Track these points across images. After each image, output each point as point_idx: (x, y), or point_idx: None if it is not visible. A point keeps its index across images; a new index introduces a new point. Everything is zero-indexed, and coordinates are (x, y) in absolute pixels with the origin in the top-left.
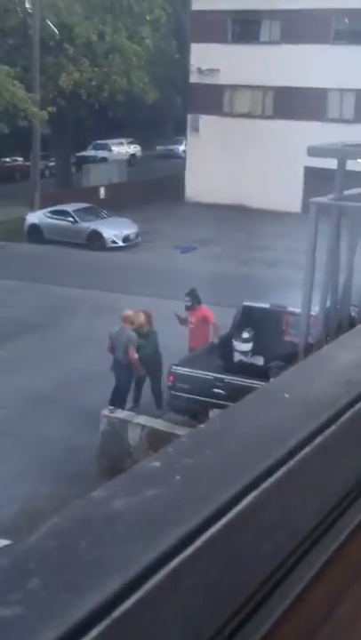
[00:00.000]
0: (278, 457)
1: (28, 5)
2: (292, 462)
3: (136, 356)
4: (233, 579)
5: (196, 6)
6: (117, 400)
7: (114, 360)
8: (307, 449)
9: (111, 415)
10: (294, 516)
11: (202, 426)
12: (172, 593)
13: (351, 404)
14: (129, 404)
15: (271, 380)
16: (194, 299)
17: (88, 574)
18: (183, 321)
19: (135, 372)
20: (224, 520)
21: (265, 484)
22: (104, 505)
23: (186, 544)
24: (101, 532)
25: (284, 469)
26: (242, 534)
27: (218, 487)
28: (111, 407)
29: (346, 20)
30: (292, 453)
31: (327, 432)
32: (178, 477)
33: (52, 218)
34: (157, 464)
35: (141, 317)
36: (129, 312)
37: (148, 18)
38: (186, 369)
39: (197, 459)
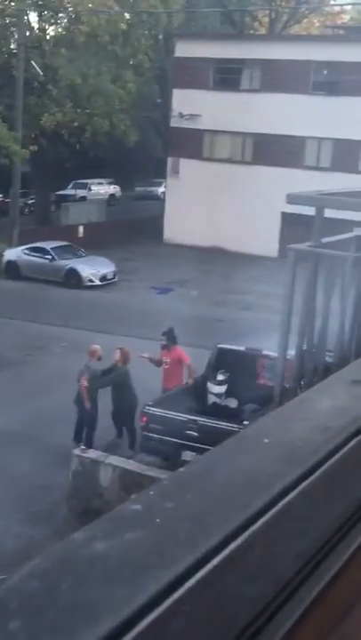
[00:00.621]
0: (262, 503)
1: (12, 46)
2: (276, 509)
3: (85, 384)
4: (218, 624)
5: (178, 53)
6: (80, 433)
7: (77, 392)
8: (291, 495)
9: (83, 455)
10: (278, 561)
11: (182, 469)
12: (158, 639)
13: (333, 452)
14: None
15: (247, 423)
16: (170, 339)
17: (71, 616)
18: (158, 362)
19: (95, 405)
20: (209, 566)
21: (249, 530)
22: (86, 547)
23: (171, 589)
24: (84, 574)
25: (268, 515)
26: (226, 580)
27: (201, 532)
28: (82, 447)
29: (324, 72)
30: (276, 500)
31: (311, 479)
32: (159, 521)
33: (29, 255)
34: (138, 507)
35: (117, 354)
36: (96, 347)
37: (131, 62)
38: (159, 410)
39: (179, 503)
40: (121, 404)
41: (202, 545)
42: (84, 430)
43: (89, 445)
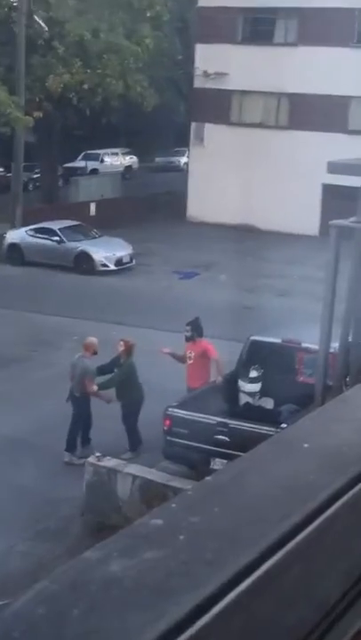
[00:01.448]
0: (302, 516)
1: None
2: (317, 522)
3: (95, 388)
4: None
5: (202, 2)
6: (70, 441)
7: (70, 391)
8: (335, 507)
9: (98, 463)
10: (321, 583)
11: (208, 478)
12: None
13: None
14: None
15: (286, 426)
16: (195, 330)
17: None
18: (181, 357)
19: (88, 407)
20: (239, 589)
21: (286, 548)
22: (99, 567)
23: (195, 616)
24: (96, 599)
25: (308, 530)
26: (260, 605)
27: (230, 550)
28: (98, 454)
29: None
30: (317, 512)
31: (357, 488)
32: (182, 538)
33: (34, 237)
34: (159, 522)
35: (121, 347)
36: (92, 339)
37: (148, 14)
38: (184, 412)
39: (205, 516)
40: (126, 400)
41: (231, 565)
42: (79, 432)
43: (71, 447)
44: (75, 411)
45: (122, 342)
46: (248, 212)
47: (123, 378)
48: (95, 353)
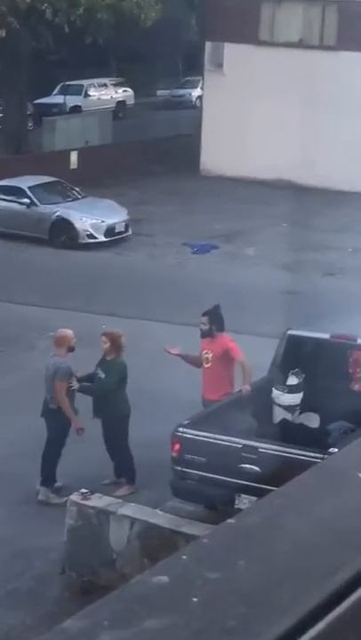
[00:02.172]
0: (355, 570)
1: None
2: None
3: (63, 399)
4: None
5: None
6: (45, 466)
7: (44, 403)
8: None
9: (83, 503)
10: None
11: (231, 521)
12: None
13: None
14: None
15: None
16: (214, 322)
17: None
18: (195, 359)
19: (68, 424)
20: None
21: (335, 612)
22: None
23: None
24: None
25: None
26: None
27: (259, 617)
28: (84, 490)
29: None
30: None
31: None
32: (196, 600)
33: None
34: (165, 579)
35: (104, 341)
36: (64, 332)
37: None
38: (199, 432)
39: (226, 572)
40: (110, 414)
41: (261, 636)
42: (58, 459)
43: (49, 481)
44: (51, 430)
45: (104, 337)
46: (282, 162)
47: (113, 382)
48: (71, 349)
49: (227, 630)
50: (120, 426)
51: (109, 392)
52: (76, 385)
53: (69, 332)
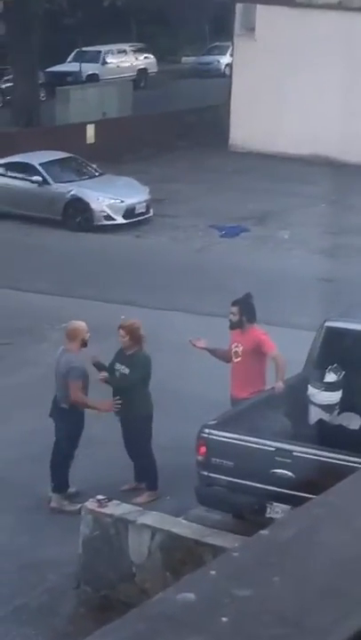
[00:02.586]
0: None
1: None
2: None
3: (82, 397)
4: None
5: None
6: (56, 471)
7: (53, 402)
8: None
9: (100, 511)
10: None
11: (264, 533)
12: None
13: None
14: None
15: None
16: (246, 312)
17: None
18: (224, 353)
19: (81, 424)
20: None
21: None
22: None
23: None
24: None
25: None
26: None
27: (300, 638)
28: (100, 497)
29: None
30: None
31: None
32: (226, 620)
33: (5, 176)
34: (191, 597)
35: (122, 334)
36: (77, 324)
37: None
38: (227, 434)
39: (259, 589)
40: (130, 413)
41: None
42: (56, 457)
43: (61, 486)
44: (58, 431)
45: (121, 330)
46: (320, 136)
47: (137, 378)
48: (84, 344)
49: None
50: (142, 426)
51: (131, 389)
52: (102, 376)
53: (82, 325)
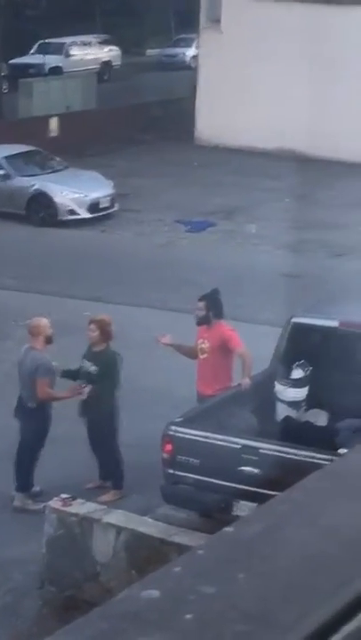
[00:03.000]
0: None
1: None
2: None
3: (49, 393)
4: None
5: None
6: (21, 470)
7: (18, 400)
8: None
9: (64, 509)
10: None
11: (229, 530)
12: None
13: None
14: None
15: (345, 452)
16: (212, 307)
17: None
18: (189, 350)
19: (48, 423)
20: None
21: (345, 630)
22: None
23: None
24: None
25: None
26: None
27: (262, 636)
28: (65, 495)
29: None
30: None
31: None
32: (190, 617)
33: None
34: (155, 594)
35: (92, 329)
36: (39, 320)
37: None
38: (193, 431)
39: (224, 586)
40: (95, 413)
41: None
42: (35, 461)
43: (25, 485)
44: (24, 430)
45: (92, 324)
46: (286, 130)
47: (104, 376)
48: (49, 341)
49: None
50: (108, 424)
51: (102, 388)
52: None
53: (44, 321)
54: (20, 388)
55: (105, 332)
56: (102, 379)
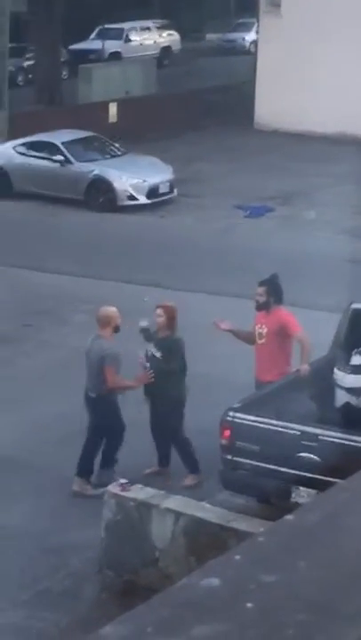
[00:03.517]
0: None
1: None
2: None
3: (118, 381)
4: None
5: None
6: (84, 462)
7: (85, 391)
8: None
9: (123, 494)
10: None
11: (289, 517)
12: None
13: None
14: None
15: None
16: (272, 293)
17: None
18: (247, 335)
19: (114, 413)
20: None
21: None
22: None
23: None
24: None
25: None
26: None
27: (324, 625)
28: (123, 480)
29: None
30: None
31: None
32: (251, 606)
33: (26, 155)
34: (215, 582)
35: (159, 315)
36: (108, 310)
37: None
38: (252, 417)
39: (285, 575)
40: (164, 397)
41: None
42: (104, 451)
43: (85, 470)
44: (92, 420)
45: (159, 309)
46: (348, 114)
47: (172, 362)
48: (117, 330)
49: (289, 638)
50: (175, 410)
51: (168, 373)
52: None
53: (114, 310)
54: (86, 378)
55: (171, 317)
56: (167, 364)
